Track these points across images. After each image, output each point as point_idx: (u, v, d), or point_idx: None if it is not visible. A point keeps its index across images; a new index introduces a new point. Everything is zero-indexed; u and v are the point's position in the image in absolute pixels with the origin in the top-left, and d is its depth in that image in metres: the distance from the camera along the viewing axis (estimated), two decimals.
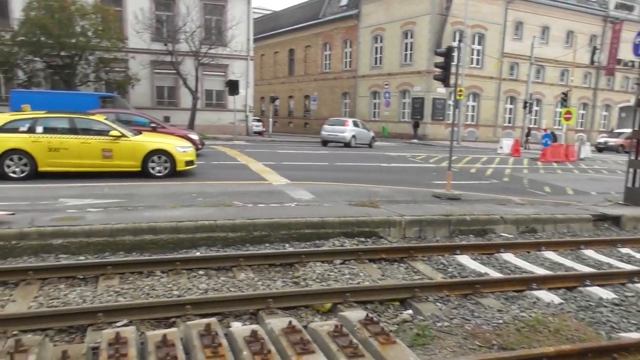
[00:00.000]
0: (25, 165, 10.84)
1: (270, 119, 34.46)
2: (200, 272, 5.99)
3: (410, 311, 5.12)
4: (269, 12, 54.96)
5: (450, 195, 10.41)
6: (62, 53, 23.85)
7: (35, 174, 10.85)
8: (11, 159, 10.79)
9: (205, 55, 27.69)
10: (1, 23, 25.39)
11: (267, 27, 49.49)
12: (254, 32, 32.79)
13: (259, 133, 34.80)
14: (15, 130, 10.92)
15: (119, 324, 4.43)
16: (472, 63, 35.78)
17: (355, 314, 4.16)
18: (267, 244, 7.26)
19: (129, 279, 5.63)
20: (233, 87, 27.61)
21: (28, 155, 10.82)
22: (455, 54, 12.02)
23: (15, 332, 4.18)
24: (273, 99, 35.36)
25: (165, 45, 27.46)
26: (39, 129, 11.02)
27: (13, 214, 6.93)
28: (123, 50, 26.56)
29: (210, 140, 22.02)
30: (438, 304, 5.29)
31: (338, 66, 43.12)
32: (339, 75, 42.89)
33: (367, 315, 3.97)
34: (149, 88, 29.08)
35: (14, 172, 10.80)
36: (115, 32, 25.39)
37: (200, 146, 15.85)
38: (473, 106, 37.31)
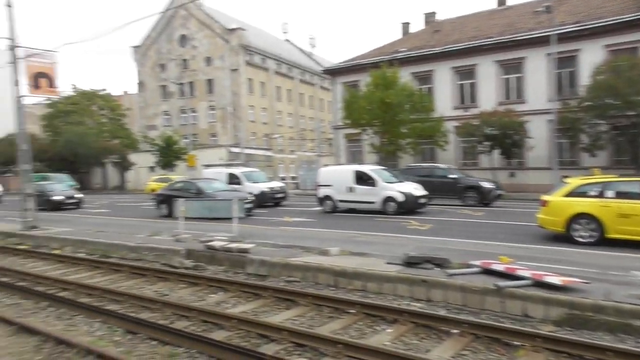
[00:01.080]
0: (593, 230, 10.70)
1: None
2: None
3: None
4: None
5: None
6: (628, 112, 22.84)
7: (602, 240, 10.51)
8: (579, 223, 10.91)
9: None
10: (569, 92, 27.14)
11: None
12: None
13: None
14: (584, 195, 11.05)
15: None
16: None
17: None
18: None
19: None
20: None
21: (596, 220, 10.64)
22: None
23: None
24: None
25: None
26: (609, 193, 10.68)
27: (588, 283, 6.77)
28: None
29: None
30: None
31: None
32: None
33: None
34: None
35: (581, 237, 10.85)
36: None
37: None
38: None
